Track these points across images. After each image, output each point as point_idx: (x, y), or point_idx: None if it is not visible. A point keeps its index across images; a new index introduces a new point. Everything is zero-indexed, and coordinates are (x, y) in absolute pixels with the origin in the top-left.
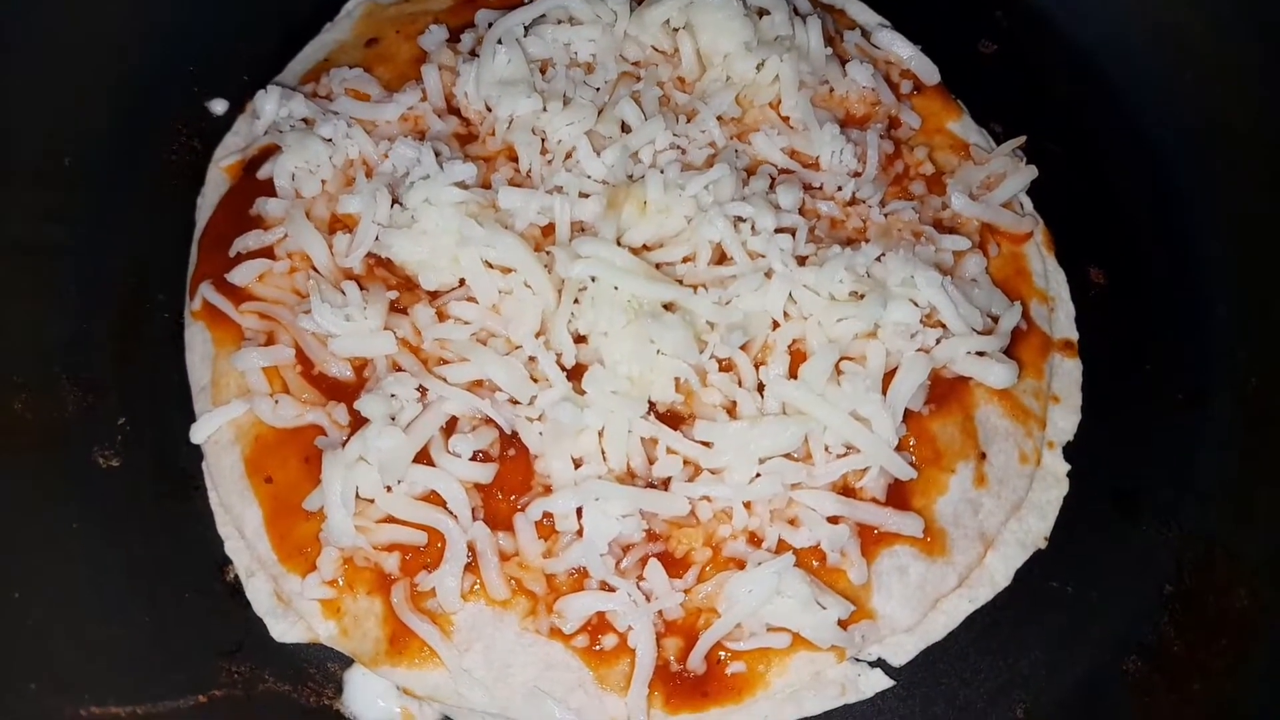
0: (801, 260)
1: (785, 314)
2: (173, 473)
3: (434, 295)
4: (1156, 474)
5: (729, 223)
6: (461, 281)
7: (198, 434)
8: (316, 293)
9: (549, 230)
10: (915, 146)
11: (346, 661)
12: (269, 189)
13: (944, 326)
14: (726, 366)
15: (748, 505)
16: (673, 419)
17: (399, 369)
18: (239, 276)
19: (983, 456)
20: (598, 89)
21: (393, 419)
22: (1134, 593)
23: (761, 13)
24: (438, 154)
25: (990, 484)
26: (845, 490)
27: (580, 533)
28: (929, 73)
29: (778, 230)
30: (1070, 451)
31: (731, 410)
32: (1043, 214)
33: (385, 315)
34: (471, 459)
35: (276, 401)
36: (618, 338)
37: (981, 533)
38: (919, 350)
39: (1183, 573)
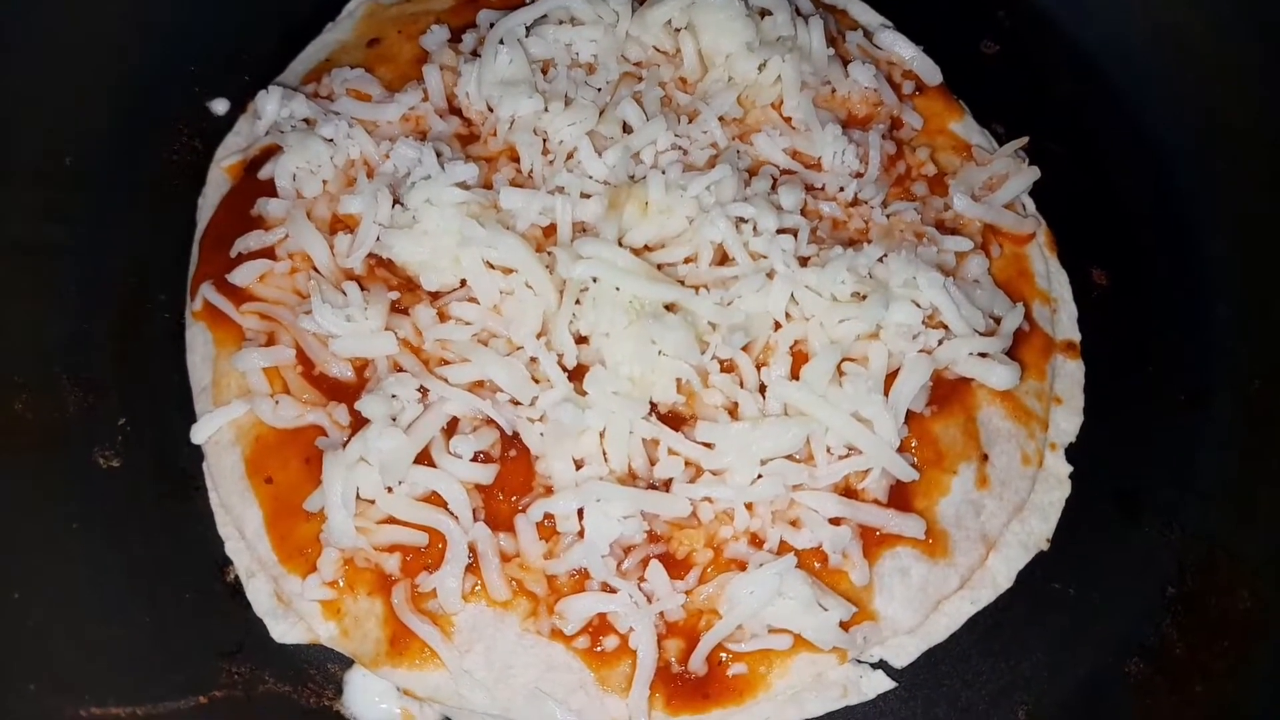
0: (803, 261)
1: (787, 315)
2: (173, 473)
3: (435, 296)
4: (1159, 475)
5: (731, 223)
6: (463, 282)
7: (198, 434)
8: (317, 293)
9: (550, 231)
10: (917, 147)
11: (347, 662)
12: (270, 189)
13: (946, 328)
14: (728, 367)
15: (749, 506)
16: (674, 420)
17: (400, 369)
18: (240, 277)
19: (985, 458)
20: (599, 89)
21: (394, 420)
22: (1136, 594)
23: (763, 13)
24: (439, 154)
25: (992, 485)
26: (847, 491)
27: (581, 534)
28: (931, 73)
29: (779, 231)
30: (1072, 453)
31: (733, 411)
32: (1045, 214)
33: (386, 316)
34: (472, 460)
35: (277, 402)
36: (619, 338)
37: (983, 534)
38: (921, 351)
39: (1185, 574)
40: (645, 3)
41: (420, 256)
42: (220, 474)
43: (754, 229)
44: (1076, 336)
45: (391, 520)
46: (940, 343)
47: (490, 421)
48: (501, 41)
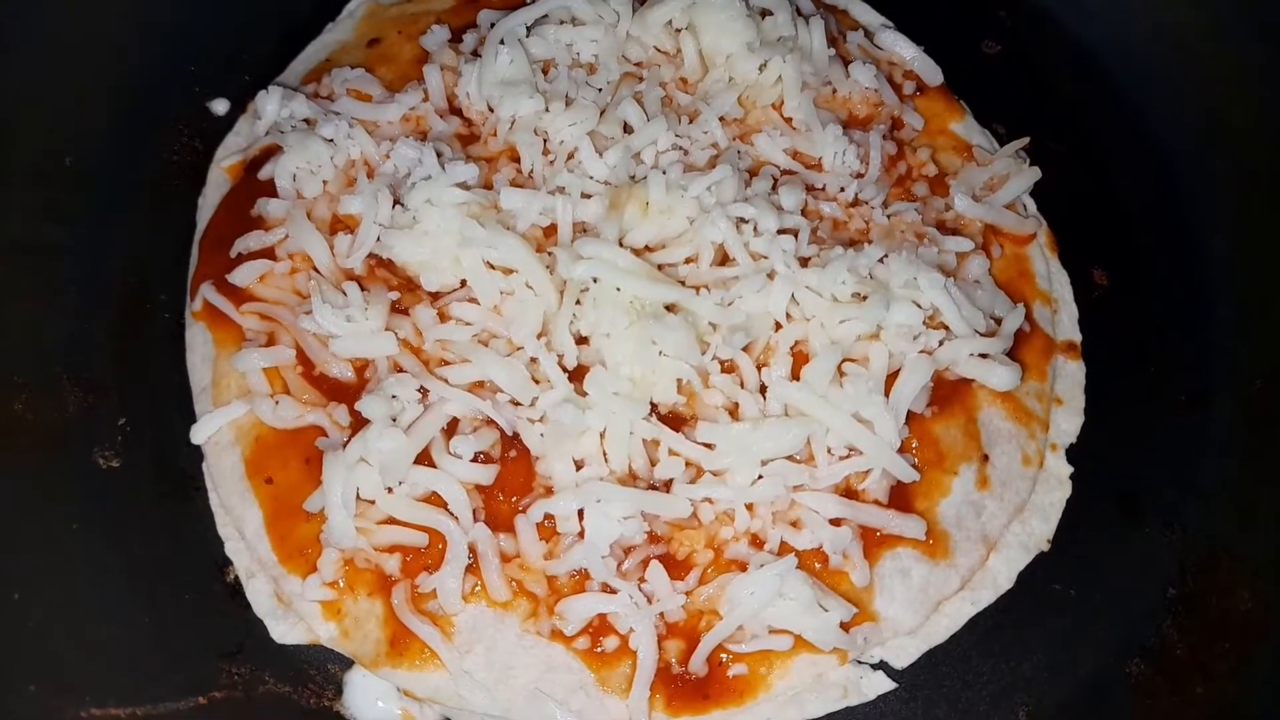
0: (804, 261)
1: (788, 315)
2: (173, 473)
3: (435, 296)
4: (1159, 476)
5: (731, 224)
6: (463, 282)
7: (198, 435)
8: (318, 293)
9: (551, 231)
10: (918, 148)
11: (347, 663)
12: (270, 189)
13: (947, 328)
14: (729, 368)
15: (750, 507)
16: (675, 421)
17: (400, 370)
18: (240, 277)
19: (985, 459)
20: (600, 90)
21: (394, 420)
22: (1137, 595)
23: (764, 13)
24: (439, 154)
25: (993, 486)
26: (847, 492)
27: (582, 534)
28: (932, 73)
29: (780, 231)
30: (1073, 453)
31: (734, 412)
32: (1045, 215)
33: (386, 316)
34: (473, 460)
35: (277, 402)
36: (620, 339)
37: (984, 535)
38: (922, 352)
39: (1186, 575)
40: (646, 3)
41: (420, 257)
42: (220, 474)
43: (755, 229)
44: (1077, 337)
45: (392, 521)
46: (941, 343)
47: (490, 422)
48: (502, 41)
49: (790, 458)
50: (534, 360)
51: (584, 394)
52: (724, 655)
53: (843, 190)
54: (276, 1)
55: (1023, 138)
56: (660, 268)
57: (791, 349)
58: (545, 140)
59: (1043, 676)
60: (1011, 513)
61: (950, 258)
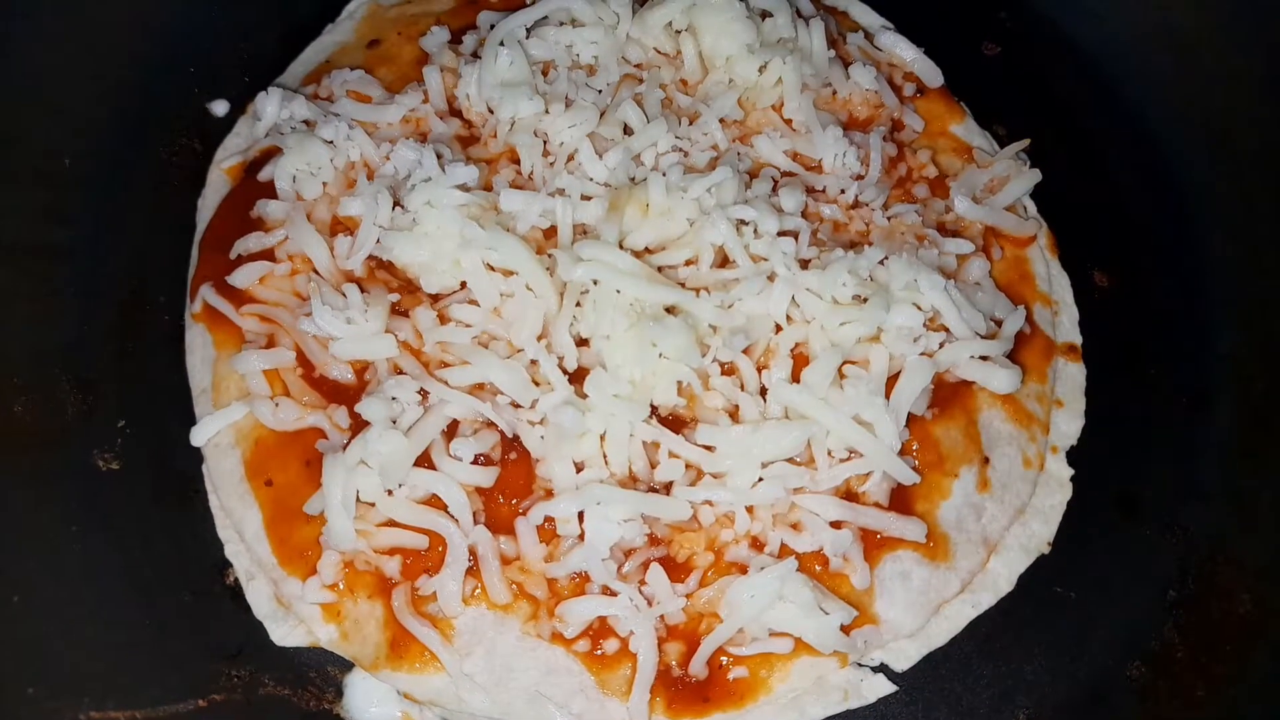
0: (804, 264)
1: (788, 317)
2: (173, 475)
3: (435, 298)
4: (1160, 478)
5: (731, 226)
6: (463, 284)
7: (198, 437)
8: (317, 295)
9: (551, 233)
10: (918, 149)
11: (347, 665)
12: (270, 191)
13: (947, 330)
14: (729, 370)
15: (750, 510)
16: (675, 423)
17: (400, 372)
18: (240, 279)
19: (986, 461)
20: (600, 91)
21: (394, 422)
22: (1137, 597)
23: (764, 15)
24: (439, 156)
25: (993, 488)
26: (848, 495)
27: (582, 537)
28: (932, 75)
29: (780, 233)
30: (1073, 456)
31: (734, 414)
32: (1046, 216)
33: (386, 318)
34: (473, 462)
35: (277, 404)
36: (620, 341)
37: (984, 538)
38: (922, 354)
39: (1186, 577)
40: (646, 4)
41: (420, 258)
42: (220, 476)
43: (755, 231)
44: (1078, 339)
45: (392, 523)
46: (941, 346)
47: (490, 424)
48: (502, 43)
49: (790, 460)
50: (534, 362)
51: (584, 396)
52: (724, 658)
53: (843, 192)
54: (276, 2)
55: (1023, 140)
56: (660, 270)
57: (792, 351)
58: (545, 142)
59: (1043, 679)
60: (1012, 515)
61: (951, 260)
